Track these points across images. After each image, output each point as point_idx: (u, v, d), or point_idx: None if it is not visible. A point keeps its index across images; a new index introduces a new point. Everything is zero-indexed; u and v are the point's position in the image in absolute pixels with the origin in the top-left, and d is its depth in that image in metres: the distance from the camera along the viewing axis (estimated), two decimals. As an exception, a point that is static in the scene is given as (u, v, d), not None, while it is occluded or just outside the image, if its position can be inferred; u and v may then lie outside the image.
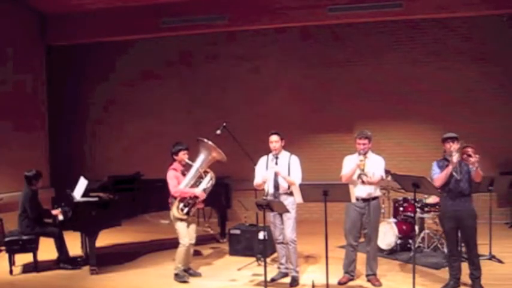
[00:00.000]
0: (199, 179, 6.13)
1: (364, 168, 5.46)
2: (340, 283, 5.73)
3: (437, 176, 5.28)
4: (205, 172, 6.17)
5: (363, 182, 5.48)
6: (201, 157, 6.16)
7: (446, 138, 5.34)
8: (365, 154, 5.57)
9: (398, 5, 8.38)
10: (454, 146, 5.25)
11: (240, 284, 6.01)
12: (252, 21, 9.09)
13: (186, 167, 6.23)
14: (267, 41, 10.10)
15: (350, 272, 5.83)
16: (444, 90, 9.35)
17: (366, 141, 5.58)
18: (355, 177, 5.54)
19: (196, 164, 6.13)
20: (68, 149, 11.03)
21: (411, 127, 9.53)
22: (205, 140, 6.17)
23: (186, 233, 6.05)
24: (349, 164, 5.67)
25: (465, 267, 5.45)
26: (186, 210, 6.04)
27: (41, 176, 6.87)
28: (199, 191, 6.05)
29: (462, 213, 5.25)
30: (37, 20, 9.83)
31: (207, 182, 6.12)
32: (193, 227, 6.22)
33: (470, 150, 5.22)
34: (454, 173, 5.23)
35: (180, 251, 6.05)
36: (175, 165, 6.17)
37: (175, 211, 6.00)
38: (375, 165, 5.62)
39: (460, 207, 5.25)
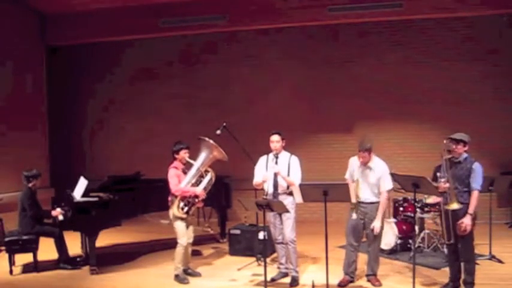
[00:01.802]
0: (200, 178, 6.13)
1: (359, 192, 5.43)
2: (340, 285, 5.69)
3: None
4: (206, 171, 6.18)
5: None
6: (202, 156, 6.16)
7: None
8: (366, 164, 5.57)
9: (398, 5, 8.39)
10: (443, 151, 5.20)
11: (240, 284, 6.01)
12: (252, 21, 9.09)
13: (187, 166, 6.23)
14: (267, 41, 10.10)
15: (350, 274, 5.80)
16: (444, 90, 9.36)
17: (366, 153, 5.55)
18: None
19: (197, 163, 6.13)
20: (68, 149, 11.04)
21: (411, 127, 9.53)
22: (207, 139, 6.17)
23: (184, 233, 6.04)
24: (352, 169, 5.70)
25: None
26: (186, 209, 6.04)
27: (39, 175, 6.85)
28: (199, 190, 6.05)
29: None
30: (37, 20, 9.83)
31: (207, 181, 6.13)
32: (192, 226, 6.24)
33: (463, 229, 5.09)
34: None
35: (179, 251, 6.05)
36: (176, 163, 6.17)
37: (175, 210, 5.99)
38: (378, 174, 5.58)
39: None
